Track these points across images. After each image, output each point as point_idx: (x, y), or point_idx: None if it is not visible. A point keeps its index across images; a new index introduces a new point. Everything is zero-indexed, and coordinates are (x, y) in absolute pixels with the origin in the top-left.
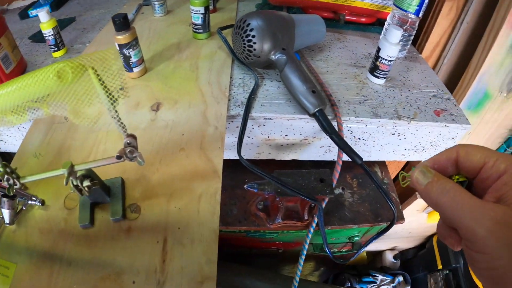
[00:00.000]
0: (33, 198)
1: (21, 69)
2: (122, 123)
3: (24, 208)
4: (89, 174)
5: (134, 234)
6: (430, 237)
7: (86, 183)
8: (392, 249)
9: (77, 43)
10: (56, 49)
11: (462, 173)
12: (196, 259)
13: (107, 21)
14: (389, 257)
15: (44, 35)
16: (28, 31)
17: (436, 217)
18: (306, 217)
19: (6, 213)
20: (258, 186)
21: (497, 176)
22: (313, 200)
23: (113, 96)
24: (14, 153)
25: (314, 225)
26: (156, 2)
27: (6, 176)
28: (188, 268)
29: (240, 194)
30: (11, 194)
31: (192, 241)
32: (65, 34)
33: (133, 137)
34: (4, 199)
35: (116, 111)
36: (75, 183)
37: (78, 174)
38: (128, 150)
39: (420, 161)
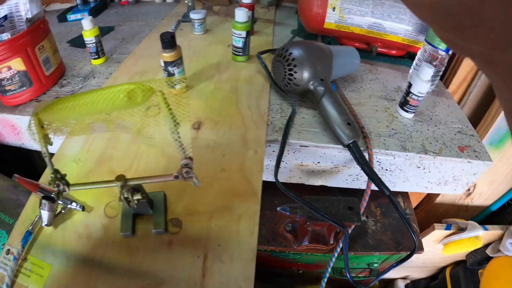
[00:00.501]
0: (73, 202)
1: (60, 72)
2: (183, 145)
3: (63, 211)
4: (139, 188)
5: (175, 248)
6: (443, 269)
7: (137, 196)
8: (404, 278)
9: (116, 52)
10: (96, 56)
11: None
12: (235, 276)
13: (146, 34)
14: (401, 286)
15: (86, 42)
16: (66, 35)
17: (451, 248)
18: (331, 242)
19: (45, 215)
20: (291, 209)
21: None
22: (341, 226)
23: (177, 120)
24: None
25: (338, 249)
26: (196, 21)
27: (56, 182)
28: (226, 284)
29: (269, 215)
30: (60, 199)
31: (231, 258)
32: (104, 43)
33: (191, 159)
34: (45, 201)
35: (178, 134)
36: (125, 196)
37: (129, 186)
38: (185, 171)
39: (439, 194)
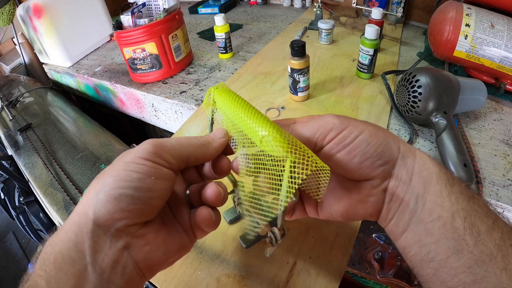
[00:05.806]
0: None
1: (189, 60)
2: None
3: None
4: None
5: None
6: None
7: None
8: None
9: (243, 50)
10: (224, 51)
11: None
12: None
13: (272, 36)
14: None
15: (216, 37)
16: (196, 26)
17: None
18: (416, 283)
19: None
20: (386, 239)
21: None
22: None
23: (291, 196)
24: (161, 129)
25: None
26: (324, 30)
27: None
28: None
29: (361, 238)
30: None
31: (318, 273)
32: (232, 39)
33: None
34: None
35: (284, 210)
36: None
37: None
38: (268, 237)
39: None
